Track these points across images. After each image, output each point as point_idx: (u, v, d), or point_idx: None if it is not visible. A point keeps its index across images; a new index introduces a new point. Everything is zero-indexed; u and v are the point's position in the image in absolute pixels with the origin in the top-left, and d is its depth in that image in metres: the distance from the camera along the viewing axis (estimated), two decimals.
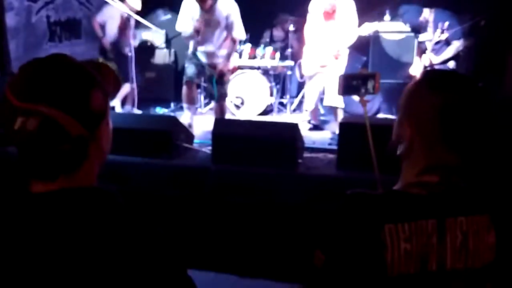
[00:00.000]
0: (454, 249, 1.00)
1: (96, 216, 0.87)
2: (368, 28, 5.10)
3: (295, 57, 5.92)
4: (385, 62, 5.70)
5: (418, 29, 4.86)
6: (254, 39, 6.13)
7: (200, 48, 4.63)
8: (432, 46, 4.58)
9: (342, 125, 3.70)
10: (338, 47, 4.75)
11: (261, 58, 5.97)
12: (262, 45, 6.09)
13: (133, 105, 5.44)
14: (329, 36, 4.76)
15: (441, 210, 1.01)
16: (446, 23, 4.41)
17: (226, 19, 4.48)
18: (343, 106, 4.95)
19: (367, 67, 5.81)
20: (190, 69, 4.69)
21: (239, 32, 4.61)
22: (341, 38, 4.72)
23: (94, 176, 0.95)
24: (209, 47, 4.60)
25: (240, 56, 5.96)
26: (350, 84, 2.77)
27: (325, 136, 4.97)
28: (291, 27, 5.84)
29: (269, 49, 6.03)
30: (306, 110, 5.27)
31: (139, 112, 5.52)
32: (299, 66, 5.58)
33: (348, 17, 4.71)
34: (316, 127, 5.29)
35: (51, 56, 0.92)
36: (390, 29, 5.75)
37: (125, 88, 5.35)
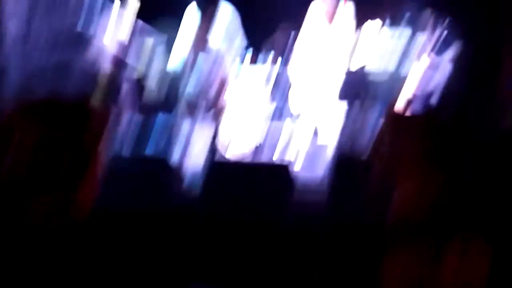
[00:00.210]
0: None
1: None
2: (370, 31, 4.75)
3: None
4: None
5: (416, 32, 4.89)
6: (255, 46, 6.08)
7: None
8: (431, 50, 4.60)
9: (334, 160, 3.71)
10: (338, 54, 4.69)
11: (262, 64, 5.95)
12: (263, 52, 6.07)
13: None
14: (325, 47, 4.75)
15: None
16: (445, 22, 4.48)
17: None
18: None
19: None
20: None
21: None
22: (341, 44, 4.68)
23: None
24: None
25: (242, 63, 5.91)
26: None
27: (317, 172, 4.94)
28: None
29: (270, 56, 6.00)
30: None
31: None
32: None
33: (348, 24, 4.67)
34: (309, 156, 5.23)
35: None
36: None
37: None
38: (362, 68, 5.61)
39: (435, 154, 1.09)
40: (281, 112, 5.84)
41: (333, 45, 4.63)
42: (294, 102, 5.00)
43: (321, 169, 5.07)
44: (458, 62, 4.84)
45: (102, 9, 4.94)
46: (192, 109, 4.79)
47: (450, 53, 4.58)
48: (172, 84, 5.22)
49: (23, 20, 4.82)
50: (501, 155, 3.28)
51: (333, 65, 4.68)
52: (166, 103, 6.35)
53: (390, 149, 1.14)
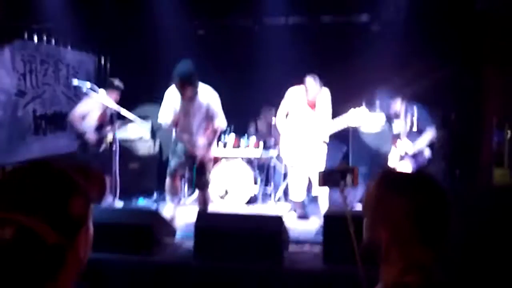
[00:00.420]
0: None
1: None
2: (356, 116, 4.74)
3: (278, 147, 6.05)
4: (365, 152, 5.87)
5: (391, 117, 5.07)
6: (239, 129, 6.29)
7: (181, 137, 4.70)
8: (405, 134, 4.75)
9: (326, 218, 3.68)
10: (319, 137, 4.88)
11: (245, 147, 6.09)
12: (246, 135, 6.24)
13: (114, 197, 5.37)
14: (310, 125, 4.90)
15: None
16: (415, 108, 4.65)
17: (206, 109, 4.56)
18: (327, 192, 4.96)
19: (348, 157, 5.95)
20: (173, 161, 4.73)
21: (220, 121, 4.66)
22: (322, 128, 4.87)
23: (70, 286, 0.92)
24: (189, 137, 4.64)
25: (225, 146, 6.07)
26: (330, 178, 2.84)
27: (310, 227, 4.92)
28: (274, 119, 6.04)
29: (253, 139, 6.17)
30: (292, 200, 5.26)
31: (121, 203, 5.44)
32: (279, 156, 5.68)
33: (325, 106, 4.89)
34: (302, 217, 5.24)
35: (33, 164, 0.93)
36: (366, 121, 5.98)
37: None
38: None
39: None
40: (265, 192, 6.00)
41: (312, 124, 4.85)
42: (286, 154, 5.10)
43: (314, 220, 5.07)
44: (437, 146, 5.05)
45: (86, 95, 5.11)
46: (184, 163, 4.77)
47: (425, 138, 4.72)
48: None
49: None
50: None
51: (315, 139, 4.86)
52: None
53: (377, 207, 1.15)
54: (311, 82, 4.79)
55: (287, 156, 5.13)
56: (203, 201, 4.81)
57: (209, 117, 4.61)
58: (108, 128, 5.42)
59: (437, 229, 1.07)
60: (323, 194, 4.91)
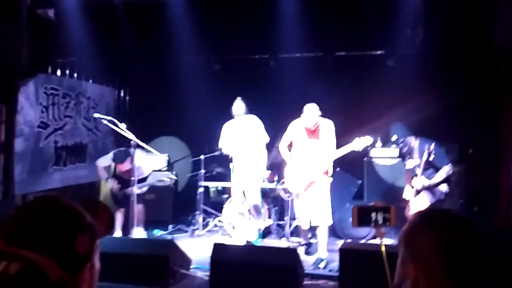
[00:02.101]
0: None
1: None
2: (360, 143, 4.80)
3: None
4: (380, 186, 5.84)
5: (404, 156, 5.05)
6: None
7: None
8: (422, 170, 4.71)
9: (343, 252, 3.65)
10: (322, 164, 4.84)
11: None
12: None
13: (138, 224, 5.37)
14: (312, 154, 4.88)
15: None
16: (432, 145, 4.61)
17: None
18: (331, 222, 4.90)
19: (362, 191, 5.92)
20: None
21: None
22: (324, 155, 4.84)
23: None
24: None
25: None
26: (365, 216, 2.77)
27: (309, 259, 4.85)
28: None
29: (268, 172, 6.19)
30: (300, 227, 5.15)
31: (142, 231, 5.48)
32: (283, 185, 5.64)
33: (328, 136, 4.89)
34: (306, 245, 5.16)
35: (42, 200, 0.97)
36: (382, 155, 5.99)
37: (137, 209, 5.38)
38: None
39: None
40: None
41: (314, 153, 4.85)
42: (290, 182, 5.06)
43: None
44: (453, 181, 4.98)
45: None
46: None
47: (441, 174, 4.67)
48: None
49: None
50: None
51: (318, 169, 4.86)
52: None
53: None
54: (309, 108, 4.82)
55: (291, 184, 5.08)
56: None
57: None
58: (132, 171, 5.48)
59: (469, 265, 1.07)
60: (328, 222, 4.84)
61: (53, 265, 0.88)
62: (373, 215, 2.73)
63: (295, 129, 5.02)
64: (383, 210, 2.72)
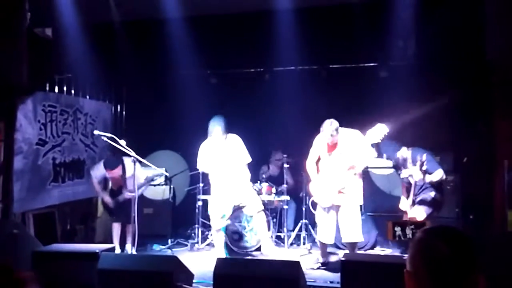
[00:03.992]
0: None
1: None
2: (375, 134, 4.57)
3: (290, 192, 6.13)
4: (377, 196, 5.90)
5: (398, 166, 5.12)
6: (251, 175, 6.38)
7: None
8: (416, 180, 4.77)
9: (344, 263, 3.69)
10: (344, 178, 4.82)
11: (258, 194, 6.14)
12: (258, 181, 6.32)
13: (133, 245, 5.40)
14: (333, 168, 4.87)
15: None
16: (424, 155, 4.68)
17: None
18: (362, 239, 4.95)
19: None
20: None
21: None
22: (345, 168, 4.82)
23: None
24: None
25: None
26: (402, 231, 2.81)
27: (326, 273, 4.88)
28: (286, 164, 6.15)
29: (265, 184, 6.25)
30: (320, 241, 5.11)
31: (135, 252, 5.48)
32: (311, 200, 5.58)
33: (350, 148, 4.81)
34: (324, 264, 5.11)
35: None
36: (377, 165, 6.07)
37: (129, 229, 5.45)
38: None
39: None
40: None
41: (336, 166, 4.86)
42: (319, 196, 5.01)
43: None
44: (449, 191, 5.02)
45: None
46: None
47: (435, 176, 4.69)
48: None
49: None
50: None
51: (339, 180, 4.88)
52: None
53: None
54: (325, 125, 4.81)
55: (319, 199, 5.02)
56: None
57: None
58: (125, 192, 5.65)
59: (453, 281, 1.13)
60: (359, 239, 4.82)
61: None
62: (408, 229, 2.76)
63: (318, 144, 5.02)
64: (420, 226, 2.76)
